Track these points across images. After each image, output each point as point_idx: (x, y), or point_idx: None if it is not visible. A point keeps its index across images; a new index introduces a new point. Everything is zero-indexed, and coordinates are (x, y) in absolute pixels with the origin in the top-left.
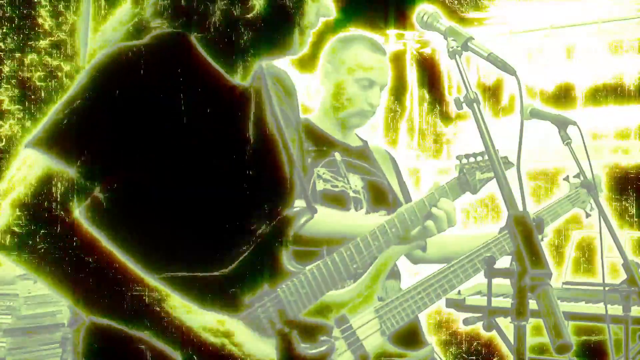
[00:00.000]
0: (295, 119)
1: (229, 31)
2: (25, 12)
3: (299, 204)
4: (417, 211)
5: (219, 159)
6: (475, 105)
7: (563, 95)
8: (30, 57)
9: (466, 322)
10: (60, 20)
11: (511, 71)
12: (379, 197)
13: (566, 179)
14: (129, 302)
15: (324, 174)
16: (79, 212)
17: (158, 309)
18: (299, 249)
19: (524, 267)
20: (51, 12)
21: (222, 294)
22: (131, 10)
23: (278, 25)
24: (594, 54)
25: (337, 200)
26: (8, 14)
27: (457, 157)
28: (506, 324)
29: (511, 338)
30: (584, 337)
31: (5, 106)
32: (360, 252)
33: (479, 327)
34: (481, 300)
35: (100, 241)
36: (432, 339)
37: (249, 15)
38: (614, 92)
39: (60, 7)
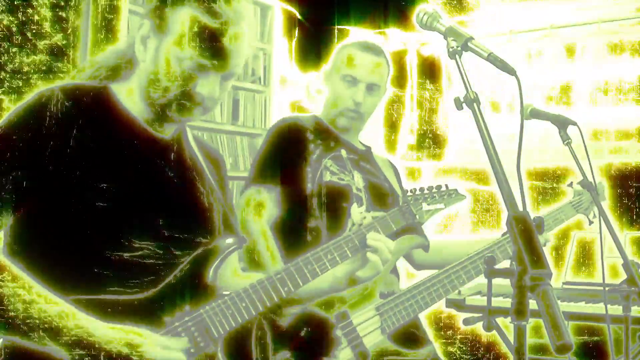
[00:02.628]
0: (225, 183)
1: (143, 92)
2: (25, 12)
3: (229, 238)
4: (355, 238)
5: (136, 195)
6: (475, 105)
7: (563, 95)
8: (31, 58)
9: (466, 322)
10: (60, 20)
11: (511, 71)
12: (379, 198)
13: (570, 184)
14: (34, 319)
15: (331, 166)
16: None
17: (62, 325)
18: None
19: (524, 267)
20: (51, 12)
21: (147, 317)
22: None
23: (179, 93)
24: (594, 54)
25: (341, 194)
26: (8, 14)
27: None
28: (506, 324)
29: (511, 338)
30: (584, 337)
31: (5, 105)
32: (292, 276)
33: (479, 327)
34: (481, 300)
35: (5, 265)
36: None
37: (157, 85)
38: (614, 92)
39: (61, 6)
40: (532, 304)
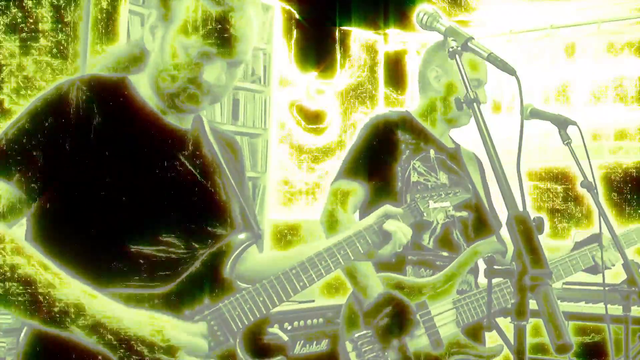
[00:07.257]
0: (241, 171)
1: (153, 82)
2: (25, 12)
3: (246, 232)
4: (367, 236)
5: (154, 188)
6: (475, 105)
7: (563, 95)
8: (32, 57)
9: None
10: (60, 20)
11: (511, 71)
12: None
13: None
14: (56, 306)
15: (419, 167)
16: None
17: (85, 310)
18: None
19: (524, 267)
20: (51, 12)
21: (166, 310)
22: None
23: (186, 81)
24: (594, 54)
25: None
26: (9, 14)
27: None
28: (506, 324)
29: (511, 338)
30: (584, 337)
31: (6, 105)
32: (307, 271)
33: None
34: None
35: (27, 248)
36: None
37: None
38: (614, 92)
39: (61, 6)
40: (532, 304)
